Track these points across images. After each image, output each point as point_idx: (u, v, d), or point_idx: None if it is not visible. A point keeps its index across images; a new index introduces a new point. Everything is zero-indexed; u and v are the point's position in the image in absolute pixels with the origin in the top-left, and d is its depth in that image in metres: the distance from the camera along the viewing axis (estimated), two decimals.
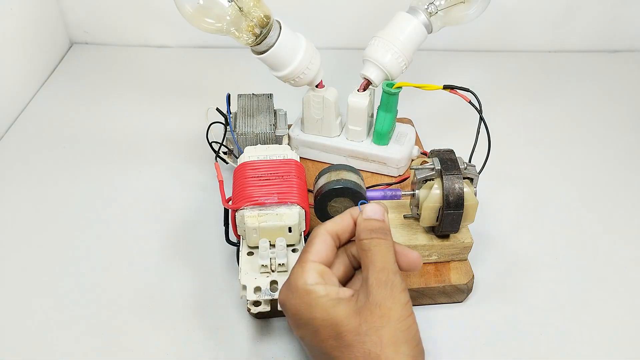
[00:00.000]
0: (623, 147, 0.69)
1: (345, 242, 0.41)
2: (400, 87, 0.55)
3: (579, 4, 0.84)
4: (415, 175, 0.47)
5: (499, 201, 0.60)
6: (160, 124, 0.70)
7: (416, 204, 0.48)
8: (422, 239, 0.49)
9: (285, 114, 0.61)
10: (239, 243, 0.47)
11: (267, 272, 0.43)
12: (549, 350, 0.46)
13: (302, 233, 0.46)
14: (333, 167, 0.48)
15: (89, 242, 0.54)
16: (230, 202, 0.46)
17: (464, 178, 0.46)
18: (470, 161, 0.51)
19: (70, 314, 0.48)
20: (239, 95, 0.61)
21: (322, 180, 0.47)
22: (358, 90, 0.58)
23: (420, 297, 0.48)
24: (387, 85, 0.55)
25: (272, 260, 0.43)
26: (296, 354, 0.45)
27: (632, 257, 0.55)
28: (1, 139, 0.68)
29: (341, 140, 0.60)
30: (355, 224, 0.40)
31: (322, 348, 0.36)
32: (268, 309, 0.42)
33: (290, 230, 0.44)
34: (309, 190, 0.49)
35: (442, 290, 0.48)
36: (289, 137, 0.61)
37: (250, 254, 0.45)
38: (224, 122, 0.59)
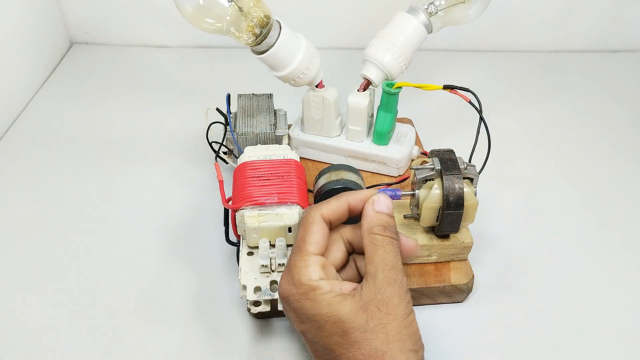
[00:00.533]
0: (623, 147, 0.69)
1: (335, 226, 0.41)
2: (400, 87, 0.55)
3: (579, 4, 0.84)
4: (415, 175, 0.47)
5: (499, 201, 0.60)
6: (160, 124, 0.70)
7: (416, 204, 0.48)
8: (422, 239, 0.49)
9: (285, 114, 0.61)
10: (239, 243, 0.47)
11: (267, 272, 0.43)
12: (549, 350, 0.46)
13: None
14: (333, 167, 0.48)
15: (88, 242, 0.54)
16: (230, 202, 0.46)
17: (464, 178, 0.46)
18: (470, 161, 0.51)
19: (70, 314, 0.48)
20: (239, 95, 0.61)
21: (322, 180, 0.47)
22: (358, 90, 0.58)
23: (420, 297, 0.48)
24: (387, 85, 0.55)
25: (272, 260, 0.43)
26: (296, 353, 0.45)
27: (633, 257, 0.55)
28: (1, 139, 0.68)
29: (341, 140, 0.60)
30: (349, 211, 0.40)
31: (326, 344, 0.35)
32: (268, 309, 0.42)
33: (290, 230, 0.44)
34: (309, 190, 0.49)
35: (442, 290, 0.48)
36: (289, 137, 0.61)
37: (250, 254, 0.45)
38: (224, 122, 0.59)
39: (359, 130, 0.59)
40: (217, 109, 0.59)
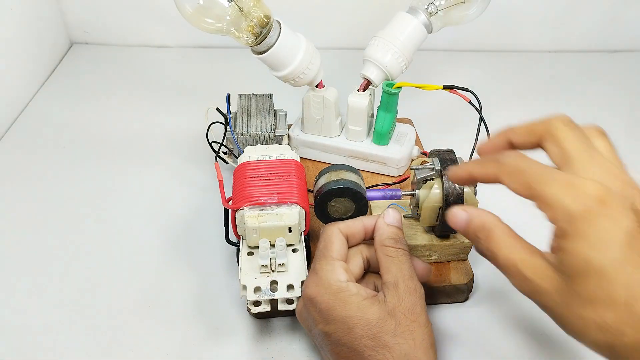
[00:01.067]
0: (623, 147, 0.69)
1: (352, 245, 0.43)
2: (400, 87, 0.55)
3: (579, 4, 0.84)
4: (415, 175, 0.47)
5: (499, 201, 0.59)
6: (160, 124, 0.70)
7: (416, 204, 0.48)
8: (422, 239, 0.49)
9: (285, 114, 0.61)
10: (239, 243, 0.46)
11: (267, 272, 0.43)
12: (549, 350, 0.46)
13: (302, 233, 0.46)
14: (333, 167, 0.48)
15: (88, 241, 0.54)
16: (230, 202, 0.46)
17: None
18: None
19: (70, 314, 0.48)
20: (239, 95, 0.61)
21: (322, 180, 0.47)
22: (358, 90, 0.58)
23: None
24: (387, 85, 0.55)
25: (272, 260, 0.43)
26: (296, 353, 0.45)
27: None
28: (1, 139, 0.68)
29: (341, 140, 0.60)
30: (364, 231, 0.43)
31: (354, 345, 0.36)
32: (268, 309, 0.42)
33: (290, 230, 0.44)
34: (309, 190, 0.49)
35: (442, 290, 0.48)
36: (289, 137, 0.61)
37: (250, 254, 0.45)
38: (224, 122, 0.59)
39: (359, 130, 0.59)
40: (217, 109, 0.58)
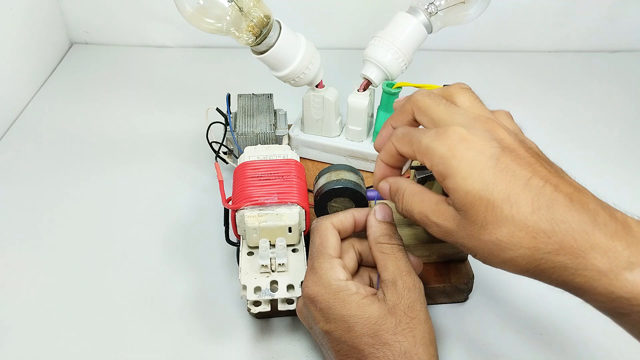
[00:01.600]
0: (623, 147, 0.69)
1: (343, 238, 0.43)
2: (400, 87, 0.55)
3: (579, 4, 0.84)
4: (415, 175, 0.47)
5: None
6: (160, 124, 0.70)
7: None
8: (422, 239, 0.49)
9: (285, 114, 0.61)
10: (239, 243, 0.47)
11: (267, 272, 0.43)
12: (549, 350, 0.46)
13: (302, 233, 0.46)
14: (333, 167, 0.48)
15: (88, 241, 0.54)
16: (230, 202, 0.46)
17: None
18: None
19: (70, 314, 0.48)
20: (239, 95, 0.61)
21: (322, 180, 0.47)
22: (358, 90, 0.58)
23: None
24: (387, 85, 0.55)
25: (272, 260, 0.43)
26: (296, 353, 0.45)
27: None
28: (1, 139, 0.68)
29: (341, 140, 0.60)
30: (355, 224, 0.43)
31: (355, 344, 0.36)
32: (268, 309, 0.42)
33: (290, 230, 0.44)
34: (309, 190, 0.49)
35: (442, 290, 0.48)
36: (289, 137, 0.61)
37: (250, 254, 0.45)
38: (224, 122, 0.59)
39: (359, 130, 0.59)
40: (217, 109, 0.59)
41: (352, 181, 0.45)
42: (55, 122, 0.71)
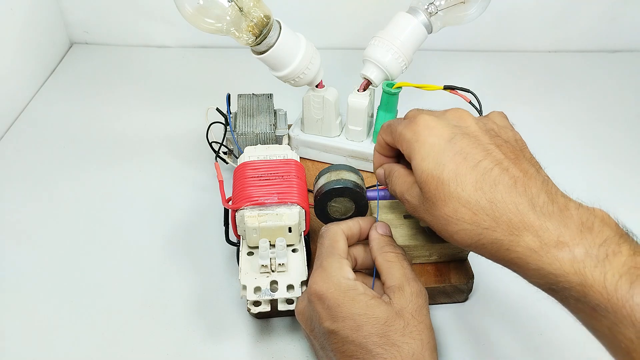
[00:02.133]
0: (623, 147, 0.69)
1: (348, 243, 0.44)
2: (400, 87, 0.55)
3: (579, 4, 0.84)
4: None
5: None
6: (160, 124, 0.70)
7: None
8: (422, 239, 0.49)
9: (285, 114, 0.61)
10: (239, 243, 0.47)
11: (267, 272, 0.43)
12: (549, 350, 0.46)
13: (302, 233, 0.46)
14: (333, 167, 0.48)
15: (88, 241, 0.54)
16: (230, 202, 0.46)
17: None
18: None
19: (69, 314, 0.48)
20: (239, 95, 0.61)
21: (322, 180, 0.47)
22: (358, 90, 0.58)
23: None
24: (387, 85, 0.55)
25: (272, 260, 0.43)
26: (296, 353, 0.45)
27: None
28: (1, 139, 0.68)
29: (341, 140, 0.60)
30: (360, 233, 0.44)
31: (362, 343, 0.36)
32: (268, 309, 0.42)
33: (290, 230, 0.44)
34: (309, 190, 0.49)
35: (442, 290, 0.48)
36: (289, 137, 0.61)
37: (250, 254, 0.45)
38: (224, 122, 0.59)
39: (359, 130, 0.59)
40: (217, 109, 0.59)
41: (352, 181, 0.45)
42: (55, 122, 0.71)
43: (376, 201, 0.47)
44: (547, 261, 0.32)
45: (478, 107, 0.51)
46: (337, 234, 0.43)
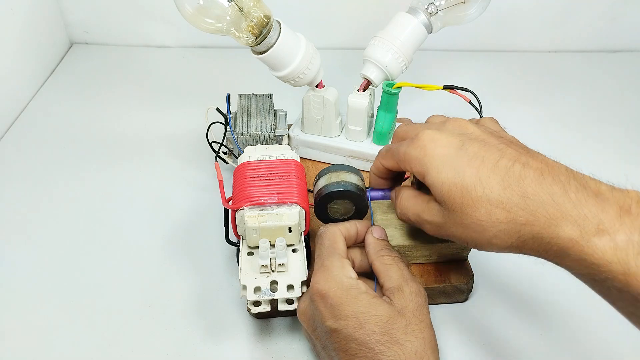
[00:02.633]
0: (623, 147, 0.69)
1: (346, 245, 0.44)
2: (400, 87, 0.55)
3: (579, 4, 0.84)
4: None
5: None
6: (160, 124, 0.70)
7: None
8: (422, 238, 0.49)
9: (285, 114, 0.61)
10: (239, 243, 0.46)
11: (267, 272, 0.43)
12: (549, 350, 0.46)
13: (302, 233, 0.46)
14: (333, 168, 0.48)
15: (88, 241, 0.54)
16: (230, 202, 0.46)
17: None
18: None
19: (69, 314, 0.48)
20: (239, 95, 0.61)
21: (322, 182, 0.47)
22: (358, 90, 0.58)
23: None
24: (387, 85, 0.55)
25: (272, 260, 0.43)
26: (296, 353, 0.45)
27: None
28: (1, 139, 0.68)
29: (341, 140, 0.60)
30: (357, 236, 0.44)
31: (365, 341, 0.36)
32: (268, 309, 0.42)
33: (290, 230, 0.44)
34: (309, 191, 0.49)
35: (442, 290, 0.48)
36: (289, 137, 0.61)
37: (250, 254, 0.45)
38: (224, 122, 0.59)
39: (359, 130, 0.59)
40: (217, 109, 0.58)
41: (352, 183, 0.45)
42: (55, 122, 0.71)
43: (374, 202, 0.47)
44: (589, 251, 0.31)
45: (478, 107, 0.51)
46: (336, 234, 0.43)
